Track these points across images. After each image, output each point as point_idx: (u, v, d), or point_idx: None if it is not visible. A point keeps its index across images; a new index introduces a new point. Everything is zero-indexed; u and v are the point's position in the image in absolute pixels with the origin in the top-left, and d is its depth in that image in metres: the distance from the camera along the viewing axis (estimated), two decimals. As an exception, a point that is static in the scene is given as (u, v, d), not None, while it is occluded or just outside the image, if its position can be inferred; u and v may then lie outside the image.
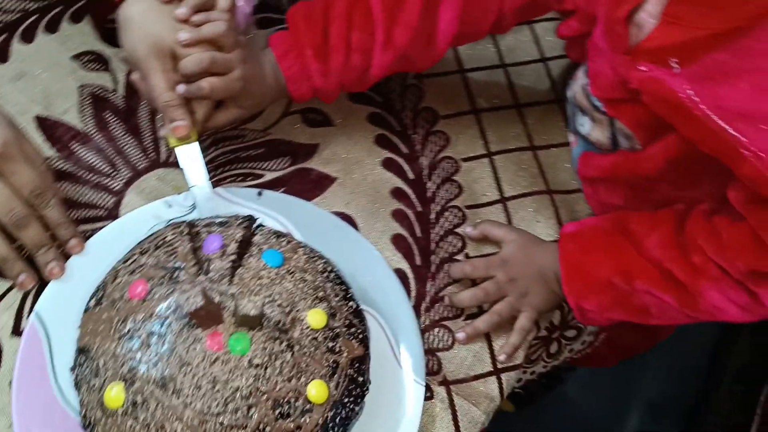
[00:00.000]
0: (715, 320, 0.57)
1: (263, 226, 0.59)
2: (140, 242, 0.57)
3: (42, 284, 0.59)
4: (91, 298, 0.55)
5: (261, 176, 0.68)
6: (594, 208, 0.70)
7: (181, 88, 0.60)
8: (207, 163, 0.66)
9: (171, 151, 0.67)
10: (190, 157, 0.62)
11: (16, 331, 0.59)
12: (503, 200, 0.70)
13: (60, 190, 0.63)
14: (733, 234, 0.53)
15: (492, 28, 0.67)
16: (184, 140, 0.61)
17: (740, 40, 0.46)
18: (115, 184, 0.67)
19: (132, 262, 0.55)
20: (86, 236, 0.61)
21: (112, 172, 0.67)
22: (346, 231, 0.64)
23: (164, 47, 0.59)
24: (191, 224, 0.57)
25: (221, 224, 0.57)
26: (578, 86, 0.65)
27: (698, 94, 0.48)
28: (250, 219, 0.57)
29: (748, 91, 0.45)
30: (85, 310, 0.54)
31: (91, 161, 0.68)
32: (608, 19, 0.55)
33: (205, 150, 0.69)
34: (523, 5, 0.65)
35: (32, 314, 0.57)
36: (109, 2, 0.63)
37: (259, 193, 0.65)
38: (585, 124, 0.66)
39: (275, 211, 0.64)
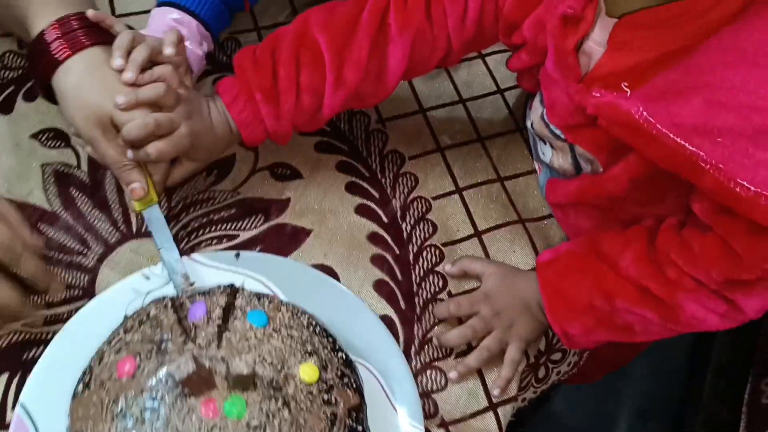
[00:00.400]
0: (698, 330, 0.59)
1: (245, 289, 0.58)
2: (123, 322, 0.56)
3: (24, 374, 0.58)
4: (78, 383, 0.54)
5: (236, 237, 0.68)
6: (567, 231, 0.72)
7: (129, 155, 0.59)
8: (180, 230, 0.65)
9: (143, 222, 0.66)
10: (156, 219, 0.62)
11: (2, 424, 0.57)
12: (478, 234, 0.71)
13: (37, 244, 0.61)
14: (703, 245, 0.54)
15: (441, 62, 0.69)
16: (146, 202, 0.61)
17: (687, 59, 0.47)
18: (87, 262, 0.66)
19: (117, 341, 0.54)
20: (63, 318, 0.60)
21: (84, 249, 0.66)
22: (327, 284, 0.64)
23: (103, 115, 0.58)
24: (174, 298, 0.56)
25: (204, 293, 0.57)
26: (536, 115, 0.67)
27: (653, 113, 0.48)
28: (232, 287, 0.57)
29: (701, 107, 0.46)
30: (73, 396, 0.53)
31: (60, 240, 0.66)
32: (558, 50, 0.57)
33: (177, 216, 0.69)
34: (470, 39, 0.67)
35: (17, 406, 0.56)
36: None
37: (237, 255, 0.65)
38: (546, 152, 0.68)
39: (255, 272, 0.64)
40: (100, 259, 0.66)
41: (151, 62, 0.62)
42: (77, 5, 0.64)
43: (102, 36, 0.63)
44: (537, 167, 0.74)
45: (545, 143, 0.67)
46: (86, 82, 0.59)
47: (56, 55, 0.60)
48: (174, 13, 0.70)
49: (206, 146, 0.64)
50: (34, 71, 0.63)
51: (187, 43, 0.69)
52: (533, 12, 0.60)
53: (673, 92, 0.48)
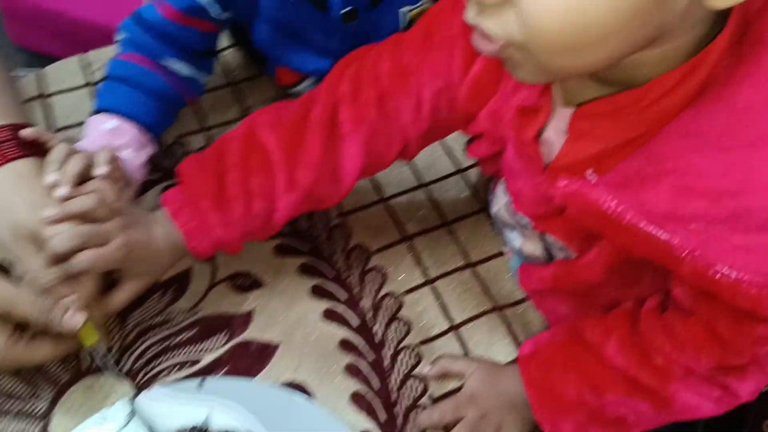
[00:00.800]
0: (693, 419, 0.56)
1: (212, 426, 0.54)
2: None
3: None
4: None
5: (198, 361, 0.64)
6: (546, 316, 0.69)
7: (55, 271, 0.55)
8: (136, 360, 0.61)
9: (92, 358, 0.61)
10: (103, 353, 0.58)
11: None
12: (454, 328, 0.68)
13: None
14: (688, 330, 0.52)
15: (399, 156, 0.66)
16: (90, 336, 0.57)
17: (649, 145, 0.45)
18: (39, 406, 0.60)
19: None
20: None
21: (33, 393, 0.61)
22: (300, 405, 0.60)
23: (28, 229, 0.55)
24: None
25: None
26: (501, 204, 0.65)
27: (621, 202, 0.47)
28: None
29: (670, 194, 0.45)
30: None
31: (7, 387, 0.61)
32: (518, 141, 0.55)
33: (132, 344, 0.64)
34: (426, 131, 0.64)
35: None
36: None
37: (201, 383, 0.60)
38: (515, 240, 0.65)
39: (222, 398, 0.60)
40: (53, 402, 0.61)
41: (85, 178, 0.59)
42: (11, 116, 0.61)
43: (33, 148, 0.60)
44: (506, 250, 0.72)
45: (513, 230, 0.65)
46: (14, 194, 0.56)
47: None
48: (110, 122, 0.67)
49: (148, 260, 0.60)
50: None
51: (126, 152, 0.66)
52: (488, 102, 0.58)
53: (639, 179, 0.46)
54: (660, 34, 0.39)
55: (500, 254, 0.73)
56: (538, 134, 0.53)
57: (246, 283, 0.69)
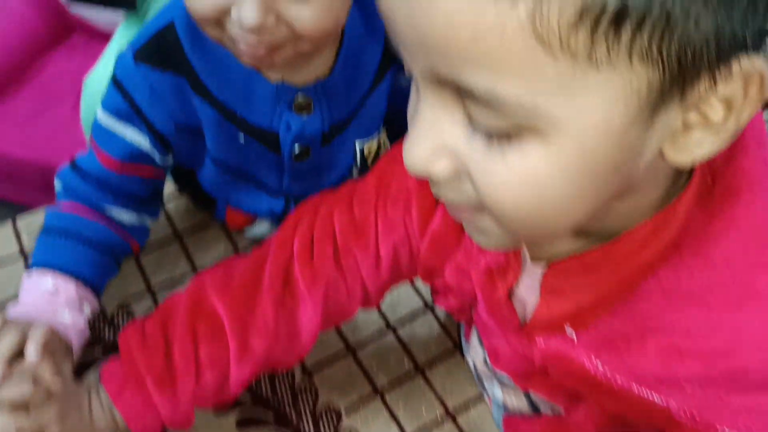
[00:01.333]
0: None
1: None
2: None
3: None
4: None
5: None
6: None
7: None
8: None
9: None
10: None
11: None
12: (440, 492, 0.62)
13: None
14: None
15: (361, 305, 0.62)
16: None
17: (629, 303, 0.42)
18: None
19: None
20: None
21: None
22: None
23: None
24: None
25: None
26: (477, 358, 0.61)
27: (607, 364, 0.44)
28: None
29: (658, 355, 0.42)
30: None
31: None
32: (489, 301, 0.51)
33: None
34: (387, 281, 0.61)
35: None
36: None
37: None
38: (496, 392, 0.61)
39: None
40: None
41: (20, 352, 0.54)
42: None
43: None
44: (486, 398, 0.67)
45: (492, 381, 0.60)
46: None
47: None
48: (47, 281, 0.62)
49: None
50: None
51: (64, 315, 0.61)
52: (452, 257, 0.54)
53: (624, 340, 0.43)
54: (625, 189, 0.36)
55: (480, 398, 0.68)
56: (509, 292, 0.49)
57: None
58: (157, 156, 0.66)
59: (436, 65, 0.31)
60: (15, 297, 0.69)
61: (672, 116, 0.31)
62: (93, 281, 0.65)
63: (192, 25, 0.55)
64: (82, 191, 0.66)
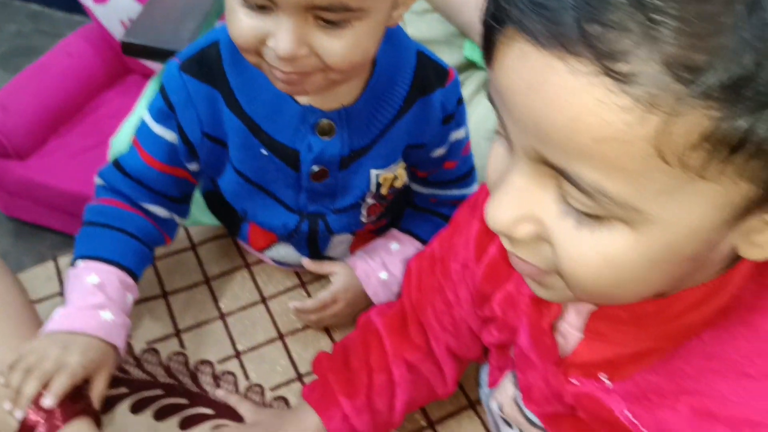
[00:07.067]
0: None
1: None
2: None
3: None
4: None
5: None
6: None
7: None
8: None
9: None
10: None
11: None
12: None
13: None
14: None
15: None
16: None
17: (670, 361, 0.43)
18: None
19: None
20: None
21: None
22: None
23: None
24: None
25: None
26: (506, 398, 0.61)
27: (637, 416, 0.44)
28: None
29: (690, 416, 0.42)
30: None
31: None
32: (533, 329, 0.52)
33: None
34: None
35: None
36: None
37: None
38: (515, 440, 0.61)
39: None
40: None
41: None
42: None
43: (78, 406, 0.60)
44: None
45: (513, 428, 0.61)
46: None
47: None
48: (92, 275, 0.66)
49: None
50: None
51: (107, 313, 0.65)
52: (503, 286, 0.56)
53: (658, 396, 0.43)
54: (695, 271, 0.38)
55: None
56: (552, 325, 0.50)
57: None
58: (184, 159, 0.70)
59: (546, 151, 0.32)
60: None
61: (755, 221, 0.33)
62: (134, 269, 0.69)
63: (234, 47, 0.58)
64: (121, 187, 0.70)
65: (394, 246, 0.79)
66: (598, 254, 0.34)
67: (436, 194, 0.80)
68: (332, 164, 0.68)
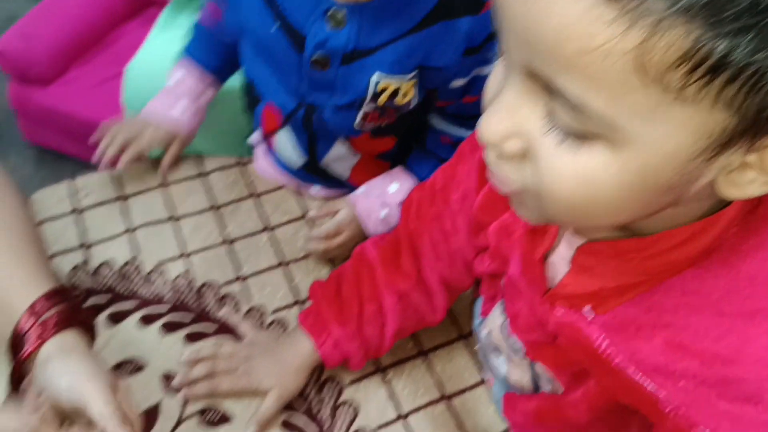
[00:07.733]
0: None
1: None
2: None
3: None
4: None
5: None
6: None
7: None
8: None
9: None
10: None
11: None
12: (427, 467, 0.66)
13: None
14: None
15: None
16: None
17: (649, 295, 0.44)
18: None
19: None
20: None
21: None
22: None
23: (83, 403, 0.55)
24: None
25: None
26: (495, 325, 0.64)
27: (613, 343, 0.46)
28: None
29: (663, 347, 0.44)
30: None
31: None
32: (525, 259, 0.54)
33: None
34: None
35: None
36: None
37: None
38: (501, 366, 0.63)
39: None
40: None
41: None
42: (44, 280, 0.61)
43: (72, 319, 0.60)
44: (488, 377, 0.70)
45: (500, 356, 0.64)
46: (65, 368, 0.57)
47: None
48: (180, 71, 0.87)
49: None
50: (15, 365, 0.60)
51: (177, 107, 0.84)
52: (500, 216, 0.58)
53: (635, 327, 0.45)
54: (671, 204, 0.39)
55: (477, 384, 0.71)
56: (544, 257, 0.53)
57: (215, 418, 0.68)
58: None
59: (536, 62, 0.34)
60: (64, 252, 0.77)
61: (734, 156, 0.34)
62: (220, 72, 0.87)
63: None
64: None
65: (394, 186, 0.81)
66: (577, 172, 0.35)
67: (450, 132, 0.80)
68: (334, 55, 0.70)
